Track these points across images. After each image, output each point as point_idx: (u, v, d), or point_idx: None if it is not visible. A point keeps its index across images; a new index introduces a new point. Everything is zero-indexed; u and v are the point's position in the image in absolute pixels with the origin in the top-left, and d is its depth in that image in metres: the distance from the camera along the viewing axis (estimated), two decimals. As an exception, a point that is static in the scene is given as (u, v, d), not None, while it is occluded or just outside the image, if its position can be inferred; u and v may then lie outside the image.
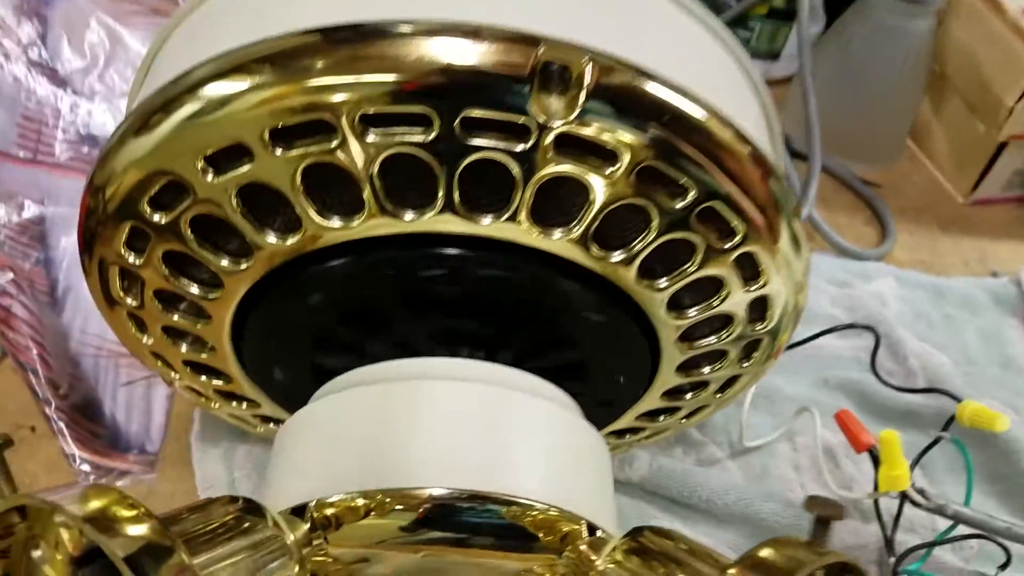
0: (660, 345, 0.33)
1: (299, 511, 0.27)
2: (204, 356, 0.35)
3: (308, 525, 0.26)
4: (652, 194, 0.27)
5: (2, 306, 0.49)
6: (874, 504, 0.46)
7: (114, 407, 0.48)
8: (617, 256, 0.29)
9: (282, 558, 0.23)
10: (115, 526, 0.20)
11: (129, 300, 0.33)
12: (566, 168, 0.26)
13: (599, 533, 0.28)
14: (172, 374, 0.38)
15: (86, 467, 0.46)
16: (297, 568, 0.24)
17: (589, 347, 0.33)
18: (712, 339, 0.33)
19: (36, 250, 0.52)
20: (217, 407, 0.41)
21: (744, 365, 0.36)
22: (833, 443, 0.52)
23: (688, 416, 0.40)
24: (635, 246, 0.28)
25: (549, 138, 0.25)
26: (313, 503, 0.27)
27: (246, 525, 0.23)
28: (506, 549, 0.28)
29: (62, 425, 0.46)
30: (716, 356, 0.35)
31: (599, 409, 0.36)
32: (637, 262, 0.29)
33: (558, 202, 0.27)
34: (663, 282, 0.30)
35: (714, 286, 0.31)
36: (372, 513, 0.27)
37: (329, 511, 0.27)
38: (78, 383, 0.49)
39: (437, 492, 0.27)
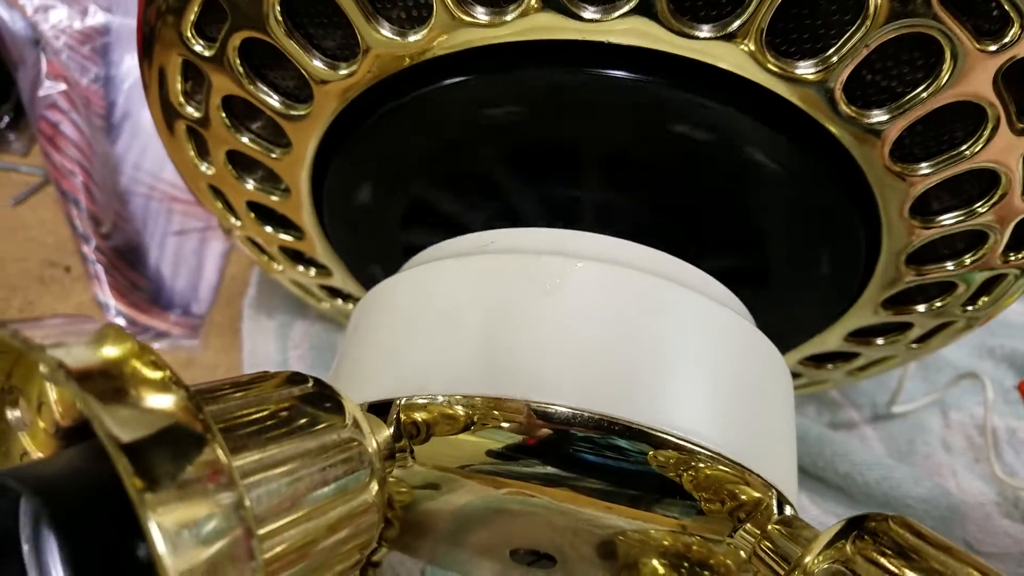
0: (876, 263, 0.24)
1: (380, 409, 0.20)
2: (274, 198, 0.28)
3: (391, 430, 0.19)
4: (955, 23, 0.18)
5: (49, 121, 0.42)
6: (1043, 504, 0.38)
7: (160, 257, 0.41)
8: (876, 118, 0.20)
9: (358, 471, 0.16)
10: (125, 392, 0.12)
11: (191, 109, 0.26)
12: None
13: (787, 509, 0.20)
14: (232, 219, 0.31)
15: (121, 321, 0.39)
16: (376, 487, 0.16)
17: (779, 247, 0.25)
18: (949, 265, 0.25)
19: (96, 65, 0.44)
20: (280, 269, 0.34)
21: (967, 309, 0.27)
22: (995, 424, 0.43)
23: (863, 368, 0.32)
24: (905, 104, 0.20)
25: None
26: (401, 401, 0.19)
27: (314, 419, 0.15)
28: (631, 502, 0.20)
29: (99, 268, 0.39)
30: (939, 291, 0.26)
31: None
32: (895, 131, 0.20)
33: (809, 20, 0.19)
34: (924, 168, 0.21)
35: (986, 184, 0.22)
36: (473, 427, 0.19)
37: (420, 415, 0.19)
38: (123, 223, 0.42)
39: (564, 411, 0.19)
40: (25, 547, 0.14)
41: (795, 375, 0.33)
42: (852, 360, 0.31)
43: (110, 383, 0.12)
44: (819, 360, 0.31)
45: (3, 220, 0.43)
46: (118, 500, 0.12)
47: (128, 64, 0.45)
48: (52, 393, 0.15)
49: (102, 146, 0.43)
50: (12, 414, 0.16)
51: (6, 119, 0.45)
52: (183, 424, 0.12)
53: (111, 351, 0.13)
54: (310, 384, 0.16)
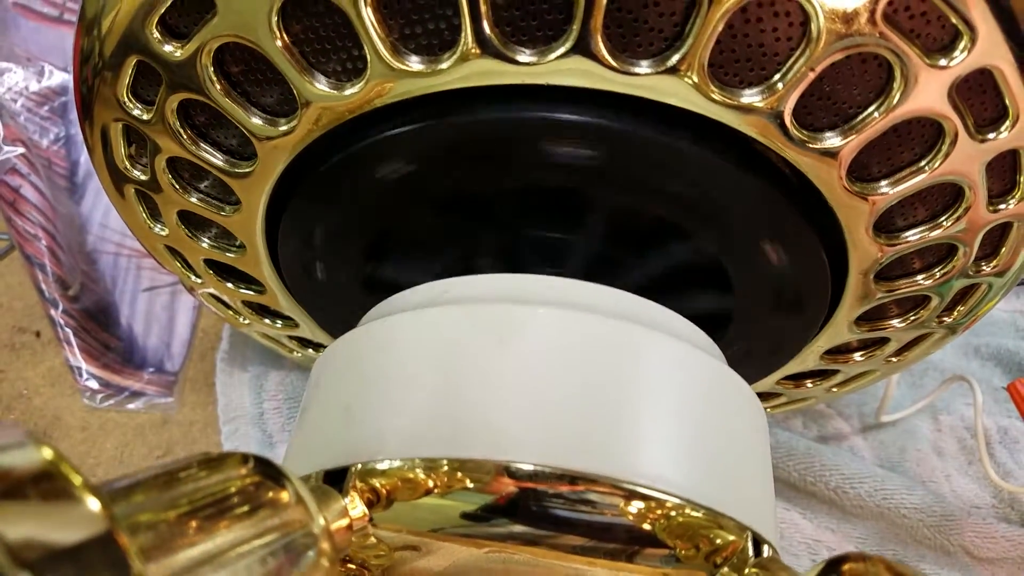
0: (846, 283, 0.24)
1: (336, 477, 0.19)
2: (231, 255, 0.27)
3: (347, 500, 0.18)
4: (902, 40, 0.17)
5: (10, 187, 0.41)
6: (1041, 505, 0.37)
7: (131, 316, 0.41)
8: (829, 140, 0.19)
9: (306, 553, 0.15)
10: (30, 501, 0.12)
11: (137, 172, 0.25)
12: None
13: (765, 550, 0.19)
14: (192, 277, 0.30)
15: (93, 383, 0.38)
16: (326, 565, 0.16)
17: (744, 277, 0.24)
18: (920, 278, 0.24)
19: (56, 125, 0.44)
20: (246, 323, 0.33)
21: (944, 321, 0.27)
22: (986, 424, 0.43)
23: (842, 384, 0.31)
24: (856, 125, 0.19)
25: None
26: (356, 468, 0.19)
27: (259, 500, 0.14)
28: (610, 555, 0.19)
29: (69, 332, 0.39)
30: (914, 304, 0.26)
31: (735, 366, 0.26)
32: (851, 152, 0.20)
33: (748, 48, 0.18)
34: (883, 186, 0.20)
35: (949, 198, 0.22)
36: (436, 489, 0.19)
37: (378, 482, 0.19)
38: (92, 284, 0.41)
39: (528, 469, 0.18)
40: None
41: (775, 395, 0.32)
42: (831, 377, 0.30)
43: (23, 491, 0.12)
44: (798, 378, 0.31)
45: (-30, 288, 0.43)
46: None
47: (88, 121, 0.44)
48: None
49: (66, 207, 0.42)
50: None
51: (-32, 185, 0.45)
52: (97, 535, 0.12)
53: (22, 459, 0.12)
54: (251, 464, 0.15)
